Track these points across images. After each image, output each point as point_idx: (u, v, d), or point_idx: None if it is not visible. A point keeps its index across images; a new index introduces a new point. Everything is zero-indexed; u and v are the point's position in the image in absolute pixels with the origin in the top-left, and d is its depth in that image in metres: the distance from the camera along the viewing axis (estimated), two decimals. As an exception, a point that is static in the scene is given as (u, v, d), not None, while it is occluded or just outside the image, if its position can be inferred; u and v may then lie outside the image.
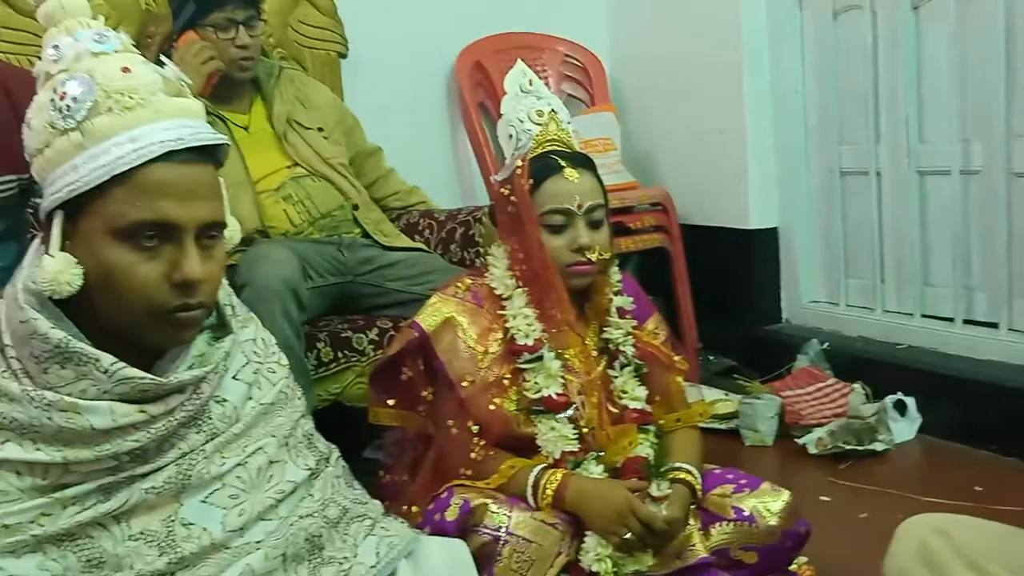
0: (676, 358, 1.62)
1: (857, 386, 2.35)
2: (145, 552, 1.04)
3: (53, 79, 1.03)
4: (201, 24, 2.08)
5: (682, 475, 1.48)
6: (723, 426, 2.39)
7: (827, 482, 2.08)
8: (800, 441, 2.25)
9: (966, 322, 2.42)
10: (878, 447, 2.19)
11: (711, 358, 2.88)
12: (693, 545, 1.44)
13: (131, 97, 1.02)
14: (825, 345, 2.59)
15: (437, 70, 2.90)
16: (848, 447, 2.17)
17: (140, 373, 1.04)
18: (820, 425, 2.28)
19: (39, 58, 1.08)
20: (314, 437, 1.27)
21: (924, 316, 2.53)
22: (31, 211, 1.74)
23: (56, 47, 1.05)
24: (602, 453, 1.51)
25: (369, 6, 2.71)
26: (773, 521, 1.46)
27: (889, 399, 2.32)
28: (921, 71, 2.48)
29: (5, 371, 1.04)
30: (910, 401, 2.33)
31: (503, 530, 1.36)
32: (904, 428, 2.30)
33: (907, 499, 1.94)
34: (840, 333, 2.71)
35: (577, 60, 3.08)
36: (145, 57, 1.09)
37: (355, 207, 2.19)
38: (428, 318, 1.50)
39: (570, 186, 1.48)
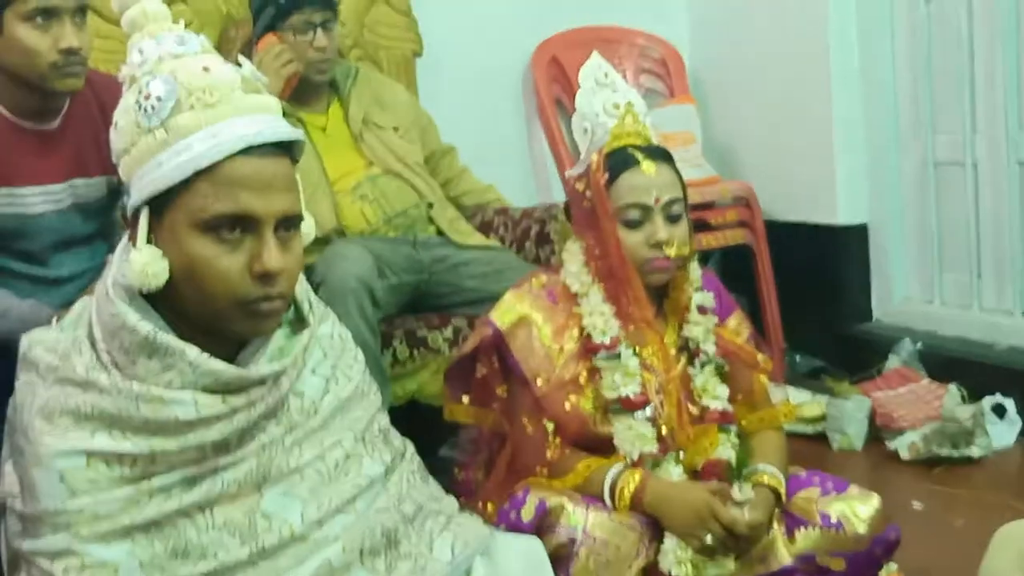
0: (759, 357, 1.58)
1: (952, 387, 2.26)
2: (228, 542, 1.07)
3: (138, 81, 1.08)
4: (280, 27, 2.12)
5: (765, 478, 1.44)
6: (810, 429, 2.33)
7: (920, 488, 2.01)
8: (891, 445, 2.18)
9: (1071, 321, 2.31)
10: (975, 452, 2.10)
11: (798, 358, 2.81)
12: (777, 550, 1.40)
13: (211, 95, 1.06)
14: (918, 344, 2.51)
15: (512, 67, 2.90)
16: (943, 452, 2.09)
17: (223, 365, 1.08)
18: (913, 428, 2.20)
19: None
20: (390, 433, 1.28)
21: (1025, 314, 2.42)
22: (120, 211, 1.81)
23: (140, 51, 1.09)
24: (682, 454, 1.47)
25: (444, 4, 2.73)
26: (862, 528, 1.40)
27: (987, 401, 2.23)
28: (1020, 57, 2.37)
29: (96, 363, 1.07)
30: (1009, 404, 2.23)
31: (580, 530, 1.34)
32: (1003, 432, 2.20)
33: (1006, 506, 1.86)
34: (934, 332, 2.61)
35: (655, 52, 3.04)
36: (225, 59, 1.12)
37: (430, 205, 2.21)
38: (503, 315, 1.49)
39: (647, 180, 1.45)
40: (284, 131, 1.09)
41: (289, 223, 1.09)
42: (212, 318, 1.08)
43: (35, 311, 1.54)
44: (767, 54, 2.89)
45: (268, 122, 1.08)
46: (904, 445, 2.14)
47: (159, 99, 1.04)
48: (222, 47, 2.33)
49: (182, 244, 1.05)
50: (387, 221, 2.14)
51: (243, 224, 1.05)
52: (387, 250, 2.04)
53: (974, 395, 2.25)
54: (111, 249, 1.77)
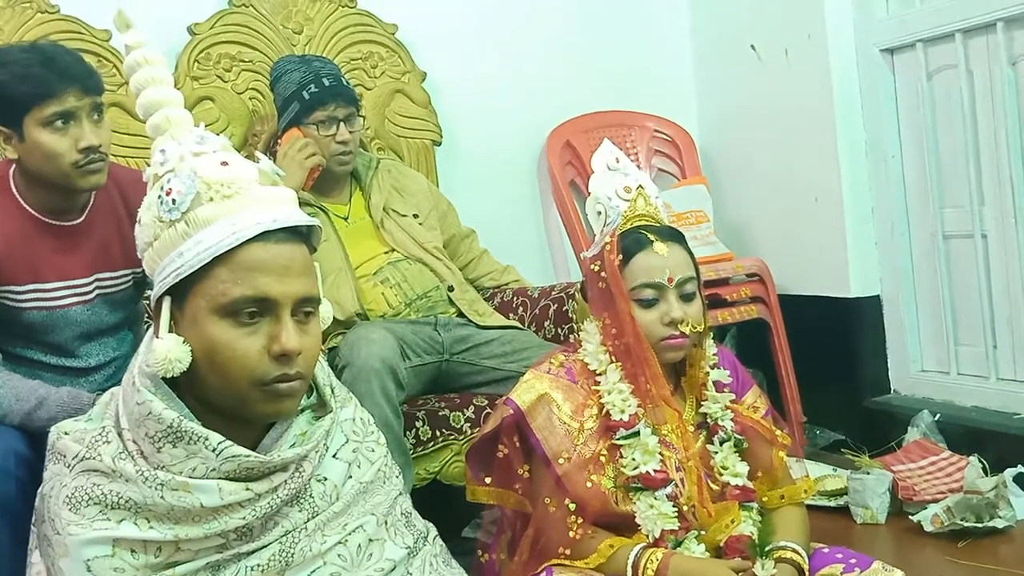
0: (778, 432, 1.58)
1: (973, 459, 2.23)
2: (251, 630, 1.07)
3: (160, 179, 1.14)
4: (304, 122, 2.18)
5: (788, 554, 1.43)
6: (832, 503, 2.30)
7: (946, 562, 1.97)
8: (914, 518, 2.15)
9: (1089, 389, 2.29)
10: (999, 524, 2.06)
11: (817, 432, 2.78)
12: (802, 627, 1.38)
13: (229, 187, 1.11)
14: (937, 416, 2.48)
15: (528, 152, 2.98)
16: (967, 524, 2.05)
17: (246, 451, 1.10)
18: (935, 501, 2.16)
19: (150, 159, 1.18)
20: (412, 515, 1.28)
21: (1042, 383, 2.41)
22: (145, 301, 1.85)
23: (163, 151, 1.15)
24: (703, 532, 1.47)
25: (461, 94, 2.82)
26: (886, 605, 1.38)
27: (1009, 472, 2.19)
28: (1023, 128, 2.41)
29: (122, 452, 1.10)
30: (1032, 474, 2.20)
31: (603, 610, 1.33)
32: (1027, 503, 2.16)
33: (1036, 580, 1.82)
34: (952, 403, 2.59)
35: (666, 134, 3.10)
36: (249, 152, 1.17)
37: (450, 288, 2.24)
38: (523, 395, 1.50)
39: (660, 260, 1.49)
40: (299, 217, 1.13)
41: (307, 306, 1.12)
42: (234, 401, 1.10)
43: (74, 397, 1.57)
44: (775, 133, 2.94)
45: (283, 210, 1.13)
46: (927, 518, 2.11)
47: (180, 193, 1.10)
48: (248, 142, 2.41)
49: (203, 329, 1.08)
50: (408, 304, 2.17)
51: (261, 307, 1.09)
52: (409, 332, 2.07)
53: (995, 466, 2.22)
54: (136, 338, 1.81)
